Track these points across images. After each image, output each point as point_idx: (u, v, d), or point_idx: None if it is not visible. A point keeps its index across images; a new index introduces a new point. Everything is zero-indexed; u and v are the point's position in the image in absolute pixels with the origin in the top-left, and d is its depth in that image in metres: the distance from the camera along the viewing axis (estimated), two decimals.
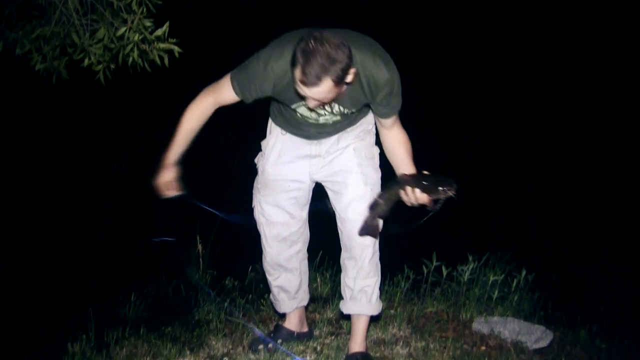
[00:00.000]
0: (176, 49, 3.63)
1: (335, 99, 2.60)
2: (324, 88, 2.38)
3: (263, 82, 2.66)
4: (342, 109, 2.78)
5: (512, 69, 13.26)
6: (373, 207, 2.78)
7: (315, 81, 2.35)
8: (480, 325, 3.71)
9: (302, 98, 2.56)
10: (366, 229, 2.85)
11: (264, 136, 3.18)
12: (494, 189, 9.07)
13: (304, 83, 2.37)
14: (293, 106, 2.81)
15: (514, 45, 13.43)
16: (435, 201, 2.60)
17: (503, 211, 8.01)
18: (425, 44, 13.26)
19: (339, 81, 2.40)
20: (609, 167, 9.77)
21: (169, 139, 2.84)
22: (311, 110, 2.76)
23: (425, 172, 2.67)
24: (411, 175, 2.70)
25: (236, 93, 2.75)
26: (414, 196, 2.62)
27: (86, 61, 3.59)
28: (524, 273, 4.10)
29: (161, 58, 3.65)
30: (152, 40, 3.57)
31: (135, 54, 3.56)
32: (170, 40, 3.63)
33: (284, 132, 3.08)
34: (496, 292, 4.03)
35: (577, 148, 10.64)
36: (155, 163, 2.85)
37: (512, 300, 4.06)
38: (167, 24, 3.57)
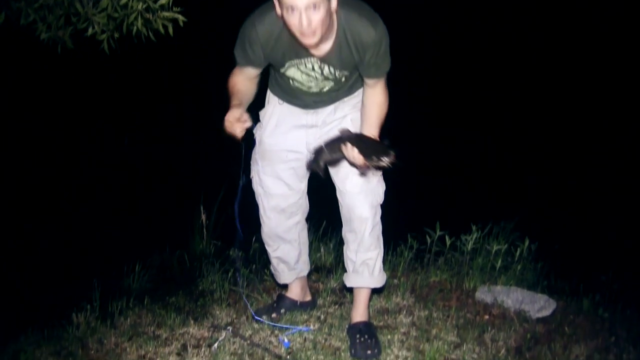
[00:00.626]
0: (180, 17, 3.59)
1: (304, 55, 2.64)
2: None
3: (253, 45, 2.70)
4: (332, 69, 2.76)
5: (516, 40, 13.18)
6: (317, 152, 2.75)
7: None
8: (483, 294, 3.72)
9: (290, 56, 2.64)
10: (310, 170, 2.88)
11: (263, 106, 3.17)
12: (497, 158, 9.04)
13: None
14: (282, 69, 2.81)
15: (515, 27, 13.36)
16: (367, 166, 2.58)
17: (506, 181, 7.98)
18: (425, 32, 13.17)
19: None
20: (613, 137, 9.73)
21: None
22: (302, 72, 2.78)
23: (372, 137, 2.65)
24: (356, 134, 2.68)
25: (241, 64, 2.80)
26: (352, 154, 2.60)
27: (90, 30, 3.56)
28: (527, 242, 4.10)
29: (165, 27, 3.61)
30: (156, 9, 3.52)
31: (139, 22, 3.52)
32: (175, 9, 3.58)
33: (281, 101, 3.07)
34: (499, 262, 4.03)
35: (581, 116, 10.58)
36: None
37: (515, 269, 4.06)
38: None
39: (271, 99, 3.12)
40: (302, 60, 2.73)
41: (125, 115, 9.21)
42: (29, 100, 8.30)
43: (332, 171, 3.02)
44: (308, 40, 2.53)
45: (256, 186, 3.16)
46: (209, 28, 9.03)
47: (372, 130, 2.76)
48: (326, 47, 2.66)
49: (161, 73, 9.65)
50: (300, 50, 2.69)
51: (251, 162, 3.17)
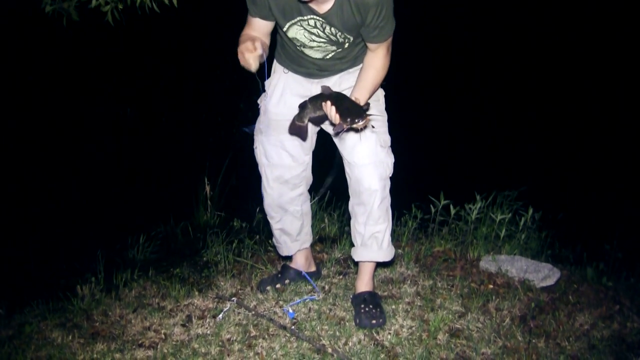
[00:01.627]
0: None
1: (307, 11, 2.61)
2: None
3: None
4: (334, 31, 2.73)
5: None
6: (301, 107, 2.77)
7: None
8: (487, 263, 3.72)
9: (293, 13, 2.64)
10: (293, 129, 2.84)
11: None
12: (500, 127, 9.01)
13: None
14: (285, 28, 2.77)
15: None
16: (341, 125, 2.56)
17: (510, 149, 7.97)
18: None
19: None
20: (617, 108, 9.69)
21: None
22: (305, 30, 2.74)
23: (353, 98, 2.62)
24: (337, 93, 2.66)
25: (252, 14, 2.80)
26: (330, 112, 2.59)
27: (94, 2, 3.52)
28: (531, 212, 4.09)
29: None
30: None
31: None
32: None
33: (286, 70, 3.04)
34: (503, 231, 4.03)
35: (585, 86, 10.52)
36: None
37: (519, 238, 4.06)
38: None
39: (277, 68, 3.09)
40: (305, 18, 2.69)
41: (129, 86, 9.17)
42: (34, 73, 8.25)
43: (340, 143, 2.99)
44: None
45: (260, 156, 3.14)
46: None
47: (362, 92, 2.73)
48: (326, 5, 2.62)
49: (165, 44, 9.59)
50: (303, 7, 2.65)
51: (255, 132, 3.14)
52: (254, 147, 3.16)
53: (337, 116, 2.54)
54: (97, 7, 3.55)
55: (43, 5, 3.54)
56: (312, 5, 2.62)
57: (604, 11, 11.43)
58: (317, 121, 2.79)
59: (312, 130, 3.08)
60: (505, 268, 3.63)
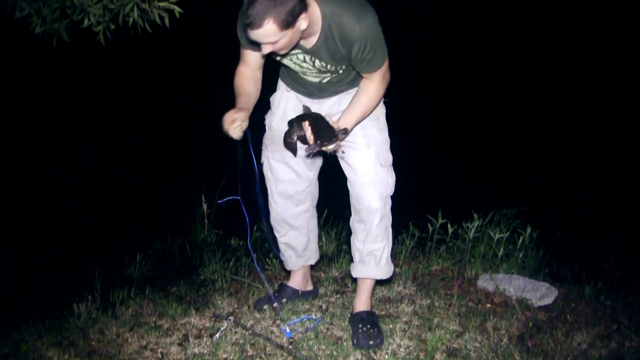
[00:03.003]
0: (177, 9, 3.55)
1: (294, 47, 2.59)
2: (268, 31, 2.34)
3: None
4: (323, 64, 2.73)
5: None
6: (289, 125, 2.81)
7: (258, 22, 2.31)
8: (485, 282, 3.72)
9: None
10: (285, 145, 2.89)
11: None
12: (498, 145, 9.02)
13: (249, 26, 2.34)
14: (278, 58, 2.79)
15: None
16: (313, 146, 2.58)
17: (508, 168, 7.98)
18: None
19: (286, 25, 2.35)
20: (613, 126, 9.72)
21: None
22: (294, 63, 2.77)
23: (331, 121, 2.63)
24: (315, 115, 2.69)
25: (244, 46, 2.81)
26: (306, 131, 2.60)
27: (86, 22, 3.52)
28: (529, 230, 4.10)
29: (162, 18, 3.57)
30: None
31: (135, 13, 3.49)
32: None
33: (288, 88, 3.07)
34: (501, 250, 4.03)
35: (582, 106, 10.57)
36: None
37: (517, 257, 4.06)
38: None
39: (280, 85, 3.14)
40: (294, 53, 2.71)
41: (124, 105, 9.20)
42: (27, 92, 8.27)
43: (341, 160, 3.01)
44: (279, 54, 2.58)
45: (266, 171, 3.19)
46: (206, 19, 9.02)
47: (348, 118, 2.72)
48: (312, 40, 2.63)
49: (159, 63, 9.64)
50: None
51: (262, 147, 3.19)
52: (261, 161, 3.20)
53: (312, 137, 2.58)
54: (89, 27, 3.55)
55: (33, 26, 3.54)
56: None
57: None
58: (303, 140, 2.79)
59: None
60: (503, 287, 3.63)
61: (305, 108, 2.79)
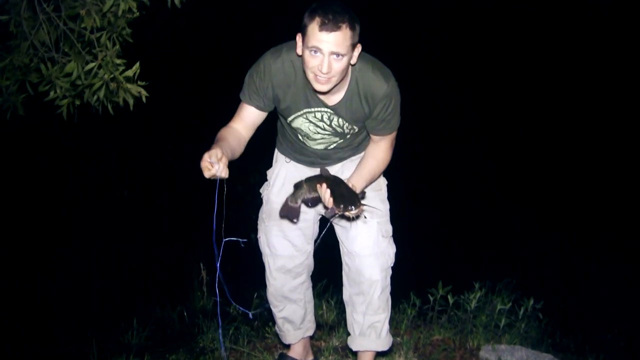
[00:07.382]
0: (144, 93, 3.53)
1: (315, 104, 2.64)
2: (342, 36, 2.39)
3: (264, 81, 2.68)
4: (340, 122, 2.76)
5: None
6: (296, 187, 2.71)
7: (337, 22, 2.37)
8: (487, 353, 3.67)
9: (301, 105, 2.66)
10: (286, 209, 2.78)
11: (270, 162, 3.17)
12: (499, 216, 9.05)
13: (324, 25, 2.38)
14: (290, 118, 2.79)
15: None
16: (332, 210, 2.53)
17: (510, 239, 7.98)
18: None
19: (355, 37, 2.44)
20: (615, 189, 9.77)
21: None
22: (310, 122, 2.77)
23: (350, 185, 2.59)
24: (334, 177, 2.64)
25: (245, 100, 2.76)
26: (324, 195, 2.55)
27: (52, 94, 3.46)
28: (531, 301, 4.07)
29: (126, 101, 3.54)
30: (121, 80, 3.46)
31: (102, 92, 3.45)
32: (140, 82, 3.53)
33: (287, 159, 3.06)
34: (503, 320, 3.99)
35: (583, 168, 10.64)
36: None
37: (519, 327, 4.02)
38: (137, 65, 3.48)
39: (278, 157, 3.12)
40: (313, 110, 2.73)
41: (124, 169, 9.24)
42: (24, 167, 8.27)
43: (340, 231, 2.99)
44: (320, 87, 2.53)
45: (263, 246, 3.11)
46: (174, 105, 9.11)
47: (358, 180, 2.71)
48: (338, 96, 2.67)
49: (160, 126, 9.69)
50: (312, 99, 2.69)
51: (258, 222, 3.13)
52: (257, 236, 3.13)
53: (331, 200, 2.51)
54: (52, 100, 3.49)
55: None
56: (321, 97, 2.66)
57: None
58: (311, 203, 2.75)
59: (314, 219, 3.06)
60: (505, 358, 3.58)
61: (323, 170, 2.69)
